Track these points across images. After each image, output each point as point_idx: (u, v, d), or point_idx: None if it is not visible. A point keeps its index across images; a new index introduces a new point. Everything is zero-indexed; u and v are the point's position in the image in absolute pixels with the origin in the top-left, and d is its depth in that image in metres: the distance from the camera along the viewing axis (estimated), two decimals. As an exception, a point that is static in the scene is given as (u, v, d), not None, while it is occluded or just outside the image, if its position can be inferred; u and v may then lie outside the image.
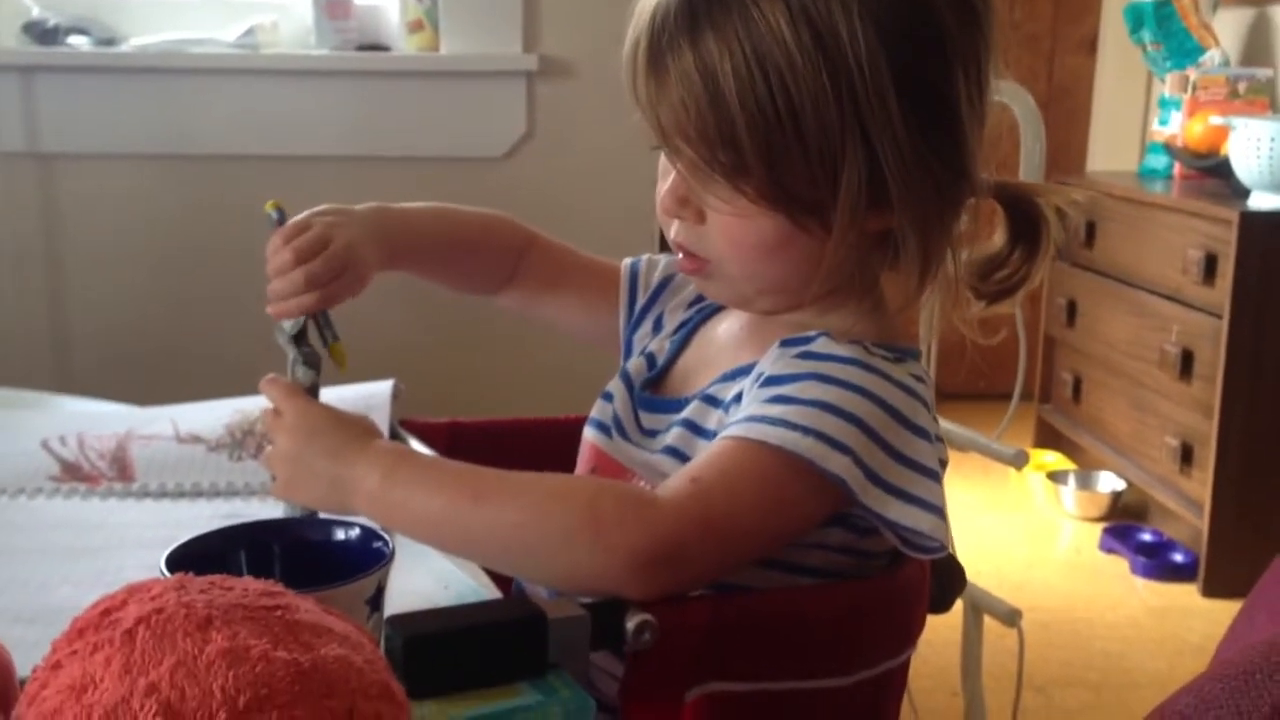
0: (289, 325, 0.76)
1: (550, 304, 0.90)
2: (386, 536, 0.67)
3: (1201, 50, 2.76)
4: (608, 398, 0.81)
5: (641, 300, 0.87)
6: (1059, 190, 0.75)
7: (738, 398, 0.70)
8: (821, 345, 0.69)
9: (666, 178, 0.71)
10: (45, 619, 0.71)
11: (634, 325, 0.87)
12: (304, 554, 0.68)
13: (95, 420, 1.04)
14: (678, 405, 0.76)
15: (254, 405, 1.02)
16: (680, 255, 0.74)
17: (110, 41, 2.02)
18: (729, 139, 0.65)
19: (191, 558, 0.62)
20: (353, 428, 0.69)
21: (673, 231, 0.73)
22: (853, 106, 0.64)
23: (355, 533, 0.68)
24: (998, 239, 0.75)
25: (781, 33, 0.63)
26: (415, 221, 0.86)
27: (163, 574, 0.60)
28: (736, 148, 0.65)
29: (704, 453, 0.66)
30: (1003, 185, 0.74)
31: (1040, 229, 0.74)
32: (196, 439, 0.99)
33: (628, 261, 0.89)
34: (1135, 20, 2.82)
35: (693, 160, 0.67)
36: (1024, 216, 0.74)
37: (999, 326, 0.75)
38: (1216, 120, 2.48)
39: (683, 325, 0.82)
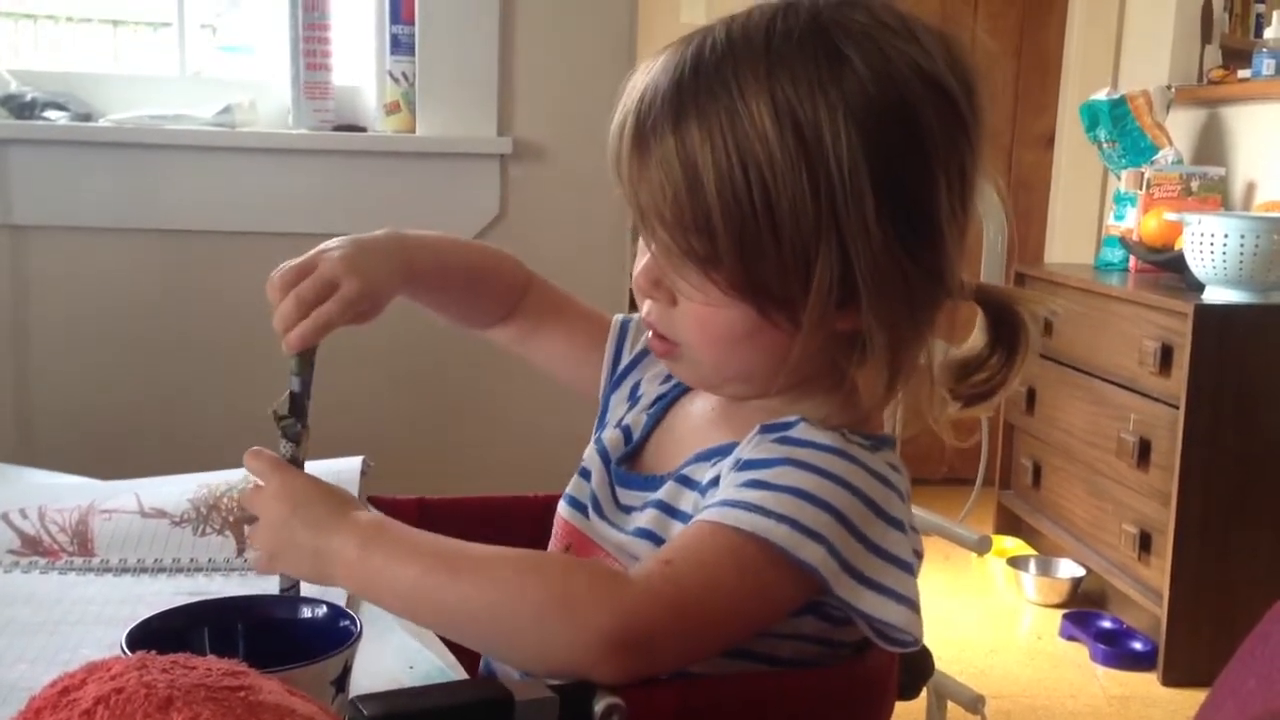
0: (276, 405, 0.75)
1: (541, 343, 0.91)
2: (354, 615, 0.66)
3: (1155, 149, 2.85)
4: (585, 475, 0.81)
5: (625, 360, 0.87)
6: (1039, 298, 0.75)
7: (715, 481, 0.70)
8: (801, 431, 0.68)
9: (644, 256, 0.71)
10: (0, 697, 0.70)
11: (613, 386, 0.87)
12: (269, 633, 0.67)
13: (57, 493, 1.03)
14: (654, 483, 0.76)
15: (220, 480, 1.01)
16: (650, 335, 0.74)
17: (87, 117, 2.03)
18: (704, 227, 0.65)
19: (153, 636, 0.61)
20: (334, 499, 0.69)
21: (644, 310, 0.73)
22: (830, 207, 0.64)
23: (321, 611, 0.68)
24: (977, 342, 0.74)
25: (764, 128, 0.63)
26: (435, 246, 0.85)
27: (123, 652, 0.59)
28: (710, 237, 0.65)
29: (678, 535, 0.67)
30: (983, 289, 0.74)
31: (1019, 335, 0.73)
32: (160, 513, 0.98)
33: (619, 317, 0.88)
34: (1091, 119, 2.91)
35: (667, 244, 0.67)
36: (1004, 321, 0.74)
37: (973, 429, 0.75)
38: (1171, 216, 2.56)
39: (659, 399, 0.82)
